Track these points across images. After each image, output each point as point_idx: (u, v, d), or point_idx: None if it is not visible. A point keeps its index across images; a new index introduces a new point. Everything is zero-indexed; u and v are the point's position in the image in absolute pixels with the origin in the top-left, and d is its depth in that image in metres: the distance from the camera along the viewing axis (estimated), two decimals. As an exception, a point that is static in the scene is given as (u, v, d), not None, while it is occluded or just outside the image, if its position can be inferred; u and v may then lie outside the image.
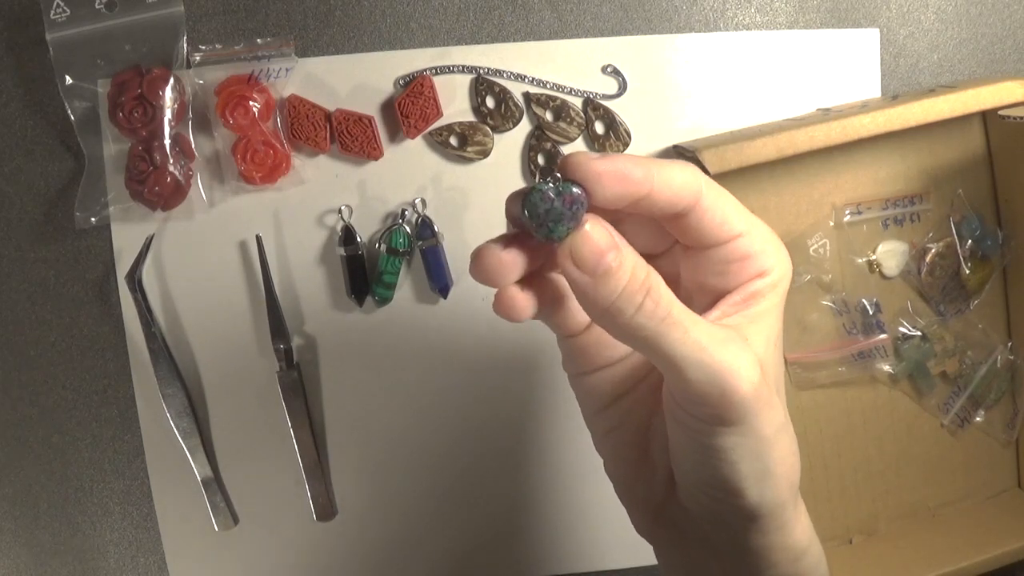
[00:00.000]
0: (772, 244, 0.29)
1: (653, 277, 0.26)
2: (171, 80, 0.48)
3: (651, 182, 0.26)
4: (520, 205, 0.26)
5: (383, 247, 0.51)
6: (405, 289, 0.53)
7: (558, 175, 0.26)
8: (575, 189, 0.25)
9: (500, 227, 0.53)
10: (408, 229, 0.51)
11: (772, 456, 0.28)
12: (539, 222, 0.25)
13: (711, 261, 0.29)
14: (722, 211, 0.28)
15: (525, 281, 0.28)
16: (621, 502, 0.33)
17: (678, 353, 0.26)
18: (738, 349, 0.26)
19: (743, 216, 0.28)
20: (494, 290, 0.55)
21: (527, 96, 0.51)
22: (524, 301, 0.28)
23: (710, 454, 0.28)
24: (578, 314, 0.30)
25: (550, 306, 0.30)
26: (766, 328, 0.28)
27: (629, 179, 0.26)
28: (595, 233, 0.25)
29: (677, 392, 0.27)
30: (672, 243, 0.31)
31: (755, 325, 0.28)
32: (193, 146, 0.50)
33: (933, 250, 0.52)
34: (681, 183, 0.27)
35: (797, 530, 0.30)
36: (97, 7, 0.48)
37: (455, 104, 0.51)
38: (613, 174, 0.26)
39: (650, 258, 0.31)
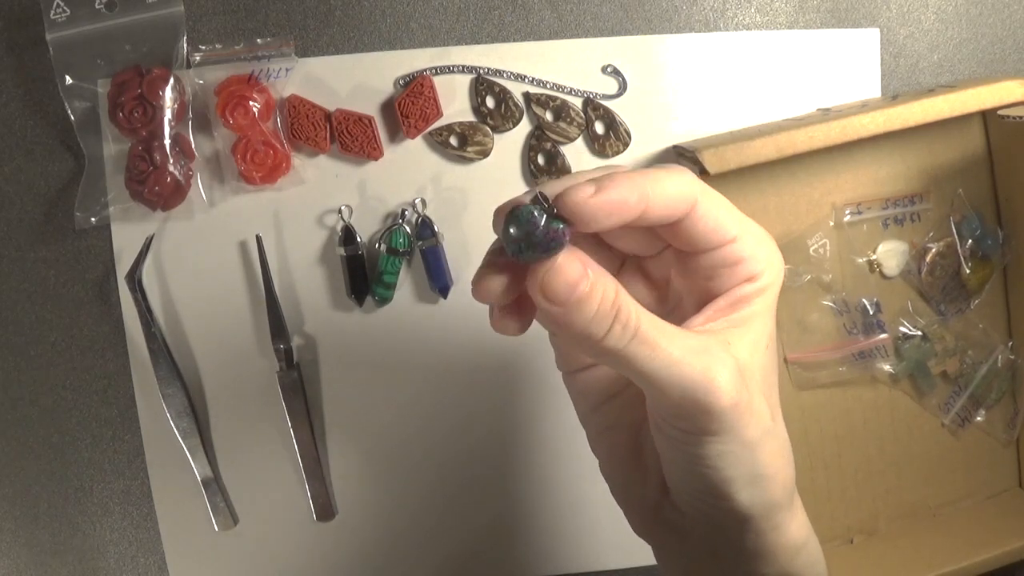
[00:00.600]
0: (763, 248, 0.29)
1: (621, 296, 0.26)
2: (171, 80, 0.48)
3: (646, 202, 0.26)
4: (504, 219, 0.25)
5: (383, 247, 0.51)
6: (405, 289, 0.53)
7: (551, 200, 0.25)
8: (560, 226, 0.25)
9: (500, 227, 0.53)
10: (408, 229, 0.51)
11: (759, 460, 0.28)
12: (510, 239, 0.25)
13: (701, 265, 0.29)
14: (715, 217, 0.27)
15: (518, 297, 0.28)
16: (617, 503, 0.33)
17: (650, 370, 0.26)
18: (712, 359, 0.26)
19: (736, 220, 0.28)
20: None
21: (527, 96, 0.51)
22: (515, 322, 0.28)
23: (696, 462, 0.27)
24: None
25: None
26: (752, 332, 0.28)
27: (625, 207, 0.25)
28: (567, 266, 0.25)
29: (658, 406, 0.27)
30: (663, 246, 0.30)
31: (739, 330, 0.28)
32: (193, 146, 0.50)
33: (933, 250, 0.52)
34: (676, 195, 0.26)
35: (792, 529, 0.30)
36: (97, 7, 0.48)
37: (455, 104, 0.51)
38: (607, 206, 0.25)
39: (640, 260, 0.31)
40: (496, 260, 0.28)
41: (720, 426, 0.26)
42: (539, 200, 0.25)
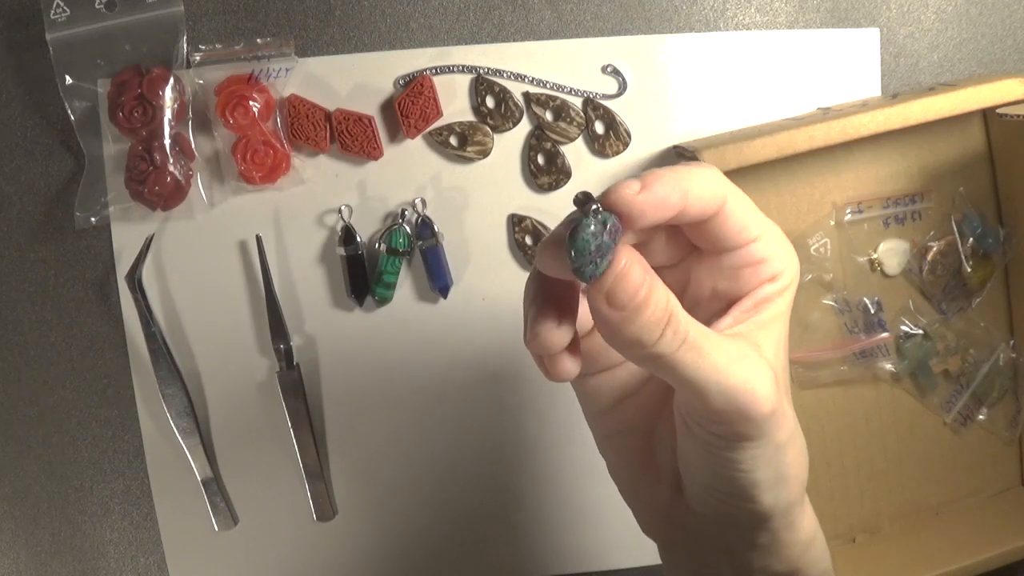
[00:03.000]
0: (783, 248, 0.29)
1: (673, 303, 0.25)
2: (171, 80, 0.48)
3: (686, 200, 0.26)
4: (566, 244, 0.24)
5: (383, 247, 0.51)
6: (405, 289, 0.53)
7: (594, 206, 0.25)
8: (613, 220, 0.24)
9: (500, 227, 0.53)
10: (408, 229, 0.51)
11: (785, 461, 0.28)
12: (587, 260, 0.24)
13: (724, 266, 0.28)
14: (741, 216, 0.27)
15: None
16: (626, 502, 0.33)
17: (696, 377, 0.25)
18: (753, 365, 0.26)
19: (758, 219, 0.28)
20: (493, 289, 0.55)
21: (527, 96, 0.51)
22: (573, 360, 0.28)
23: (726, 466, 0.27)
24: (580, 318, 0.30)
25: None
26: (776, 332, 0.28)
27: (667, 204, 0.25)
28: (633, 270, 0.25)
29: (695, 412, 0.27)
30: (685, 254, 0.30)
31: (765, 331, 0.28)
32: (193, 146, 0.50)
33: (934, 248, 0.52)
34: (711, 195, 0.26)
35: (804, 524, 0.30)
36: (97, 7, 0.48)
37: (455, 104, 0.51)
38: (654, 204, 0.25)
39: (662, 269, 0.31)
40: (545, 305, 0.27)
41: (758, 431, 0.26)
42: (588, 200, 0.24)
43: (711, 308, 0.30)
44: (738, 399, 0.26)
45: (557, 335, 0.27)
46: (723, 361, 0.25)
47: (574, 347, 0.28)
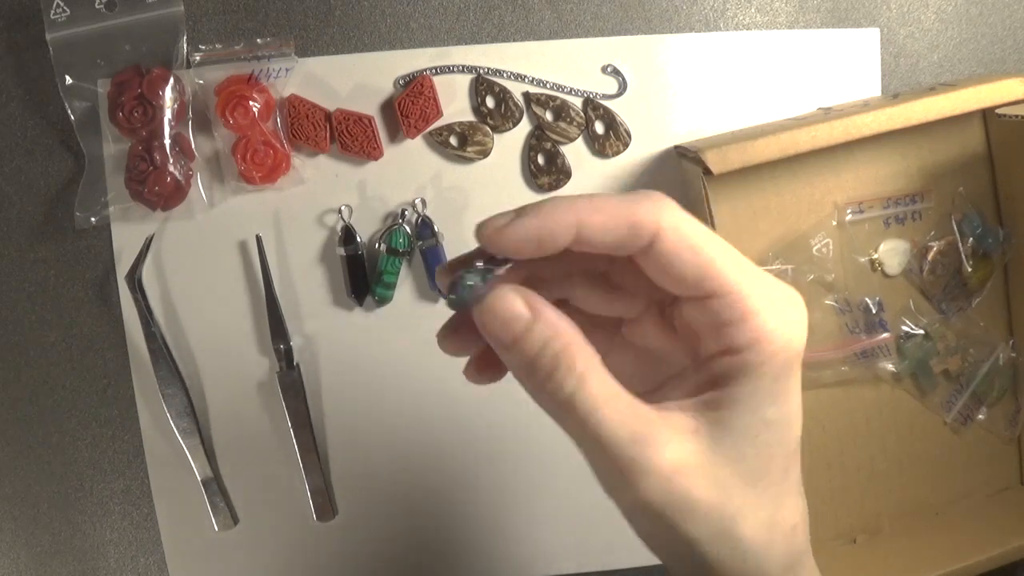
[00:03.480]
0: (765, 314, 0.24)
1: (574, 349, 0.24)
2: (171, 80, 0.48)
3: (575, 228, 0.24)
4: (448, 287, 0.26)
5: (383, 247, 0.51)
6: (405, 289, 0.53)
7: (490, 258, 0.25)
8: (498, 271, 0.25)
9: (500, 227, 0.53)
10: (408, 229, 0.51)
11: (710, 558, 0.25)
12: (462, 303, 0.25)
13: (698, 321, 0.25)
14: (678, 255, 0.24)
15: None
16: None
17: (580, 437, 0.24)
18: (644, 450, 0.23)
19: (728, 271, 0.24)
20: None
21: (527, 96, 0.51)
22: (482, 374, 0.28)
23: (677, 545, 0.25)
24: None
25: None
26: (734, 427, 0.24)
27: (544, 233, 0.24)
28: (499, 303, 0.24)
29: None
30: (640, 308, 0.28)
31: (712, 422, 0.24)
32: (193, 146, 0.50)
33: (935, 248, 0.52)
34: (621, 223, 0.23)
35: None
36: (97, 7, 0.48)
37: (455, 104, 0.51)
38: (523, 239, 0.24)
39: (625, 325, 0.29)
40: (453, 316, 0.28)
41: (641, 527, 0.25)
42: (474, 263, 0.26)
43: (684, 379, 0.27)
44: (612, 478, 0.24)
45: (449, 343, 0.28)
46: (608, 430, 0.23)
47: (484, 360, 0.28)
